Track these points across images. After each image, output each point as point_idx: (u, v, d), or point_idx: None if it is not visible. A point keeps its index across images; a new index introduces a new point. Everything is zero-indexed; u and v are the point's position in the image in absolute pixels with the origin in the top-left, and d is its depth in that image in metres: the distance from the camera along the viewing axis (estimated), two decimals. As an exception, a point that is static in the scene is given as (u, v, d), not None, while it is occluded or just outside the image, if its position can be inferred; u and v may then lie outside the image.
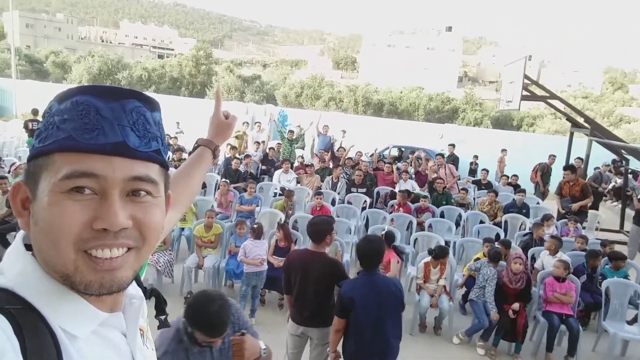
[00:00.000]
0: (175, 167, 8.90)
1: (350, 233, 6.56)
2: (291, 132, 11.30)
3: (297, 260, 3.37)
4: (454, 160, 11.92)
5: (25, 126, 10.92)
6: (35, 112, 11.48)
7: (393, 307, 3.02)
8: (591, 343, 4.97)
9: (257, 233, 5.00)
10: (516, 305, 4.57)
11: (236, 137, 11.14)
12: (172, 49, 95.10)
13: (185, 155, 9.49)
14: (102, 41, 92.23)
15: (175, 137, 12.35)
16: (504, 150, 13.40)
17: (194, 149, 1.28)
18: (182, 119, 15.12)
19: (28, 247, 0.66)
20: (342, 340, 3.09)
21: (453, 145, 12.44)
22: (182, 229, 6.22)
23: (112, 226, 0.61)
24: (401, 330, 3.08)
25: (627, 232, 8.33)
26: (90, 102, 0.62)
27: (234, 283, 5.58)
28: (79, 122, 0.61)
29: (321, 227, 3.33)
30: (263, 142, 11.78)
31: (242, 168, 9.17)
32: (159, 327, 0.95)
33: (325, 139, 11.49)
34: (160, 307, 0.91)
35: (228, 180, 7.67)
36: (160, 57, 61.56)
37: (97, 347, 0.65)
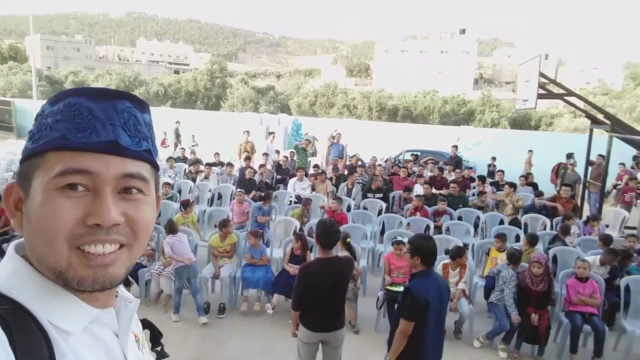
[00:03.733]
0: (193, 180, 9.00)
1: (366, 239, 6.51)
2: (307, 141, 11.35)
3: (313, 272, 3.31)
4: (457, 162, 11.80)
5: None
6: None
7: (447, 304, 3.18)
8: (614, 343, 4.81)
9: (172, 229, 5.16)
10: (535, 318, 4.44)
11: (245, 150, 11.23)
12: (188, 64, 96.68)
13: (202, 168, 9.61)
14: (120, 59, 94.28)
15: (193, 151, 12.54)
16: (530, 151, 13.19)
17: None
18: (197, 132, 15.35)
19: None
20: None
21: (455, 147, 12.35)
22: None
23: (105, 221, 0.62)
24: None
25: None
26: (83, 103, 0.64)
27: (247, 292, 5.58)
28: (71, 122, 0.63)
29: (333, 233, 3.34)
30: (277, 151, 11.87)
31: (257, 178, 9.23)
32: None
33: (338, 147, 11.55)
34: (155, 339, 0.90)
35: (243, 190, 7.71)
36: (176, 72, 62.66)
37: (89, 344, 0.65)
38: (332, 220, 3.75)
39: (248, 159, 10.03)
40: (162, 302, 5.40)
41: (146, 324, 0.88)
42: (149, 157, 0.69)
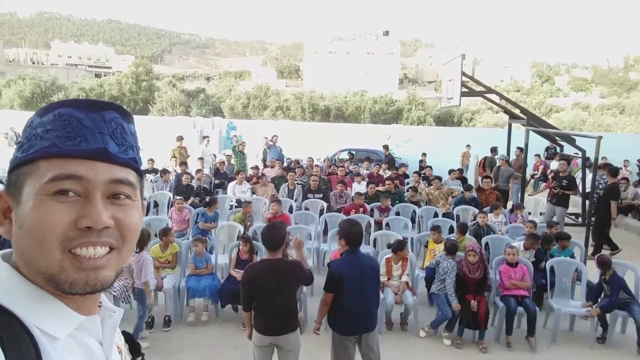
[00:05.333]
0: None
1: (310, 239, 6.57)
2: (242, 143, 11.20)
3: (257, 274, 3.31)
4: (389, 160, 12.29)
5: None
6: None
7: (372, 279, 3.54)
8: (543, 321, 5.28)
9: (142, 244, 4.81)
10: (474, 304, 4.74)
11: (174, 155, 10.84)
12: (110, 67, 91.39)
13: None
14: (33, 63, 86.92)
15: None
16: (468, 146, 13.95)
17: None
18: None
19: None
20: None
21: (386, 147, 12.84)
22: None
23: (96, 224, 0.64)
24: (379, 300, 3.79)
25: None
26: (72, 114, 0.67)
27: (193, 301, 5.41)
28: (61, 131, 0.66)
29: (278, 234, 3.36)
30: (214, 155, 11.60)
31: (194, 183, 8.96)
32: None
33: (276, 149, 11.56)
34: (135, 349, 0.90)
35: (182, 197, 7.45)
36: (98, 76, 58.95)
37: (74, 350, 0.66)
38: (278, 222, 3.78)
39: (184, 164, 9.70)
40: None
41: (125, 335, 0.88)
42: (134, 164, 0.73)
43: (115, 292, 4.95)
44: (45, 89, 35.13)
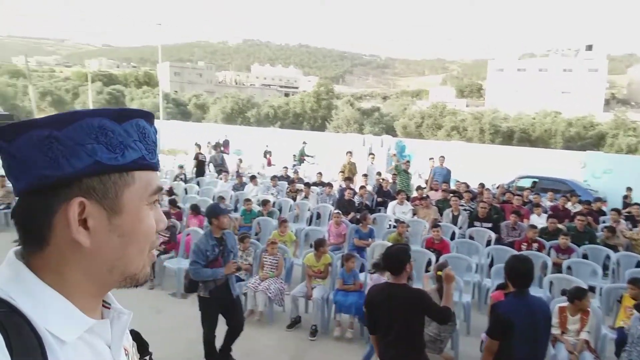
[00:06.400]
0: (293, 199, 9.29)
1: (470, 271, 5.96)
2: (407, 162, 11.00)
3: (378, 295, 3.14)
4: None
5: (196, 157, 12.60)
6: (199, 146, 13.31)
7: (545, 329, 3.08)
8: None
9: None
10: None
11: (342, 171, 11.20)
12: (297, 87, 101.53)
13: (299, 187, 9.79)
14: (236, 83, 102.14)
15: (295, 170, 12.93)
16: None
17: None
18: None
19: None
20: None
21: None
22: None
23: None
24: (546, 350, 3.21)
25: None
26: (146, 126, 0.72)
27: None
28: (144, 144, 0.70)
29: (399, 257, 3.12)
30: (379, 173, 11.66)
31: (356, 199, 9.11)
32: None
33: (442, 170, 10.99)
34: (143, 347, 0.89)
35: (340, 211, 7.62)
36: (286, 95, 66.08)
37: (83, 353, 0.66)
38: (401, 245, 3.54)
39: (348, 179, 9.97)
40: (256, 317, 5.46)
41: (134, 335, 0.88)
42: None
43: (270, 293, 5.28)
44: (242, 106, 41.18)
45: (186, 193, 10.13)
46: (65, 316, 0.65)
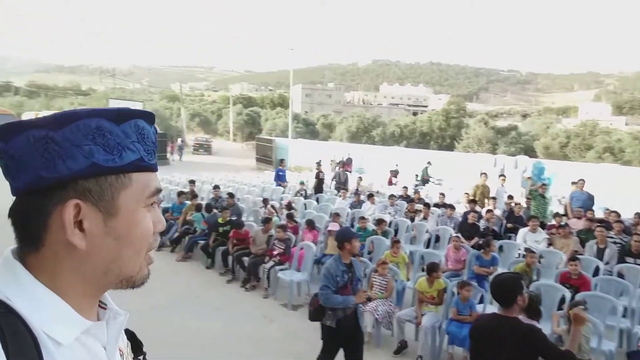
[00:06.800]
0: (411, 219, 9.02)
1: (616, 314, 5.01)
2: (543, 186, 9.87)
3: (485, 327, 2.85)
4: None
5: (317, 175, 13.12)
6: (320, 164, 13.84)
7: None
8: None
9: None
10: None
11: (469, 193, 10.49)
12: (426, 106, 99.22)
13: (417, 207, 9.47)
14: (363, 103, 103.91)
15: (416, 190, 12.58)
16: None
17: None
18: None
19: None
20: None
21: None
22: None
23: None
24: None
25: None
26: (146, 127, 0.71)
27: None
28: (143, 145, 0.70)
29: (508, 287, 2.78)
30: (510, 196, 10.68)
31: (481, 223, 8.44)
32: None
33: (581, 195, 9.58)
34: (137, 346, 0.87)
35: (460, 235, 7.10)
36: (415, 114, 65.07)
37: (79, 354, 0.66)
38: (512, 275, 3.13)
39: (473, 202, 9.30)
40: (365, 338, 5.31)
41: (128, 334, 0.87)
42: None
43: (378, 315, 5.12)
44: (367, 125, 41.73)
45: (305, 208, 10.51)
46: (62, 318, 0.64)
